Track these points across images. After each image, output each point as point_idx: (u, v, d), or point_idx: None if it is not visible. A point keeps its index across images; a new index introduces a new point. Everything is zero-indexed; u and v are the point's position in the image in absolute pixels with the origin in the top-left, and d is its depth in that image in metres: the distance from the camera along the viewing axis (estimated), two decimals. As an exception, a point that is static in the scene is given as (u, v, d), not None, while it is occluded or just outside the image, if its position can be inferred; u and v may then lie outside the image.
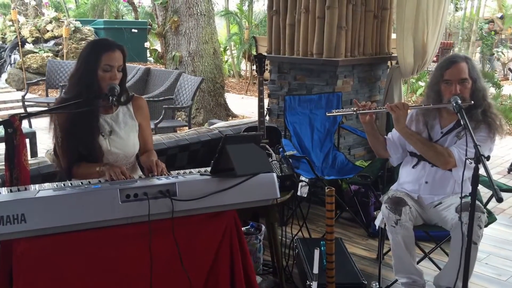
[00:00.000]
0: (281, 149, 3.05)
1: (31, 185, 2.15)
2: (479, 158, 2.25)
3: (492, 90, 9.59)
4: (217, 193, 2.16)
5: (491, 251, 3.66)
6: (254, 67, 4.49)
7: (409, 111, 2.93)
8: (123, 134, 2.61)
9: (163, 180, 2.16)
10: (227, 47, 14.08)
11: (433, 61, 13.07)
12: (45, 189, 2.05)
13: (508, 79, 12.72)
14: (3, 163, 2.23)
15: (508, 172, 5.75)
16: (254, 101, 11.05)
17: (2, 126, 2.16)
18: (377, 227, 3.04)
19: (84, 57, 2.51)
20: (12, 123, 2.14)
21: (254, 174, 2.20)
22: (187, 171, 2.38)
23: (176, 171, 2.41)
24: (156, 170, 2.38)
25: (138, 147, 2.69)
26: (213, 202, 2.17)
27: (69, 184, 2.18)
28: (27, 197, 1.93)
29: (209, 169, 2.29)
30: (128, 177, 2.29)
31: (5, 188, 2.10)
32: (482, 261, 3.47)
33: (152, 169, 2.39)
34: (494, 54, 13.24)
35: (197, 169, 2.39)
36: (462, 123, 2.52)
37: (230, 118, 8.88)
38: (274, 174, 2.31)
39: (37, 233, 1.93)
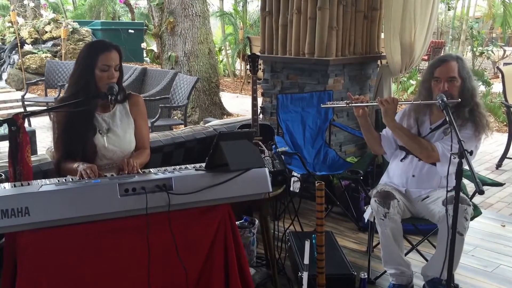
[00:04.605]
0: (273, 145, 3.15)
1: (34, 181, 2.22)
2: (463, 153, 2.32)
3: (482, 88, 9.72)
4: (211, 187, 2.24)
5: (478, 243, 3.75)
6: (248, 67, 4.57)
7: (403, 107, 3.03)
8: (119, 131, 2.69)
9: (160, 175, 2.24)
10: (222, 47, 14.16)
11: (424, 60, 13.12)
12: (48, 184, 2.13)
13: (498, 77, 12.83)
14: (7, 159, 2.33)
15: (497, 168, 5.85)
16: (249, 99, 11.04)
17: (6, 124, 2.25)
18: (365, 220, 3.15)
19: (82, 59, 2.61)
20: (15, 121, 2.22)
21: (246, 169, 2.28)
22: (183, 166, 2.45)
23: (172, 167, 2.47)
24: (127, 169, 2.41)
25: (134, 144, 2.76)
26: (207, 196, 2.25)
27: (70, 180, 2.28)
28: (31, 191, 2.02)
29: (204, 164, 2.37)
30: (97, 175, 2.34)
31: (9, 183, 2.19)
32: (469, 253, 3.56)
33: (123, 168, 2.43)
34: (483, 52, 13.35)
35: (192, 165, 2.46)
36: (447, 119, 2.59)
37: (225, 116, 8.94)
38: (266, 169, 2.38)
39: (40, 225, 2.01)
